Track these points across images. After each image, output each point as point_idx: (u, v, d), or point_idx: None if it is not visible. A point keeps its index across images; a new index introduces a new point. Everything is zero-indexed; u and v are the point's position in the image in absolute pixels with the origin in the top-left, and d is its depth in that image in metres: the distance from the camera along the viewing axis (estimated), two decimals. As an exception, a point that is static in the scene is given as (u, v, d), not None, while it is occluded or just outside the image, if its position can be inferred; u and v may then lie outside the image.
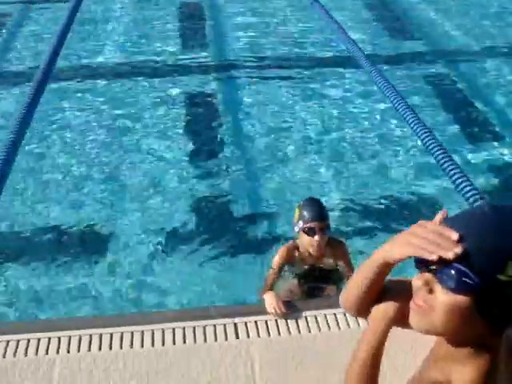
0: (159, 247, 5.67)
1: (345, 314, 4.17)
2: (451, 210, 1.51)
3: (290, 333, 4.04)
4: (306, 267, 4.61)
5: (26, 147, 6.99)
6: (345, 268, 4.62)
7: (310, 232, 4.32)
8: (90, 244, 5.75)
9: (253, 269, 5.33)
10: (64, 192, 6.44)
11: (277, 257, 4.53)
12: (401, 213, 6.22)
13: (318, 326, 4.10)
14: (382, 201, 6.35)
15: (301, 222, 4.34)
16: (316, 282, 4.68)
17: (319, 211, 4.37)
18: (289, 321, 4.12)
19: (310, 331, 4.06)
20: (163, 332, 3.99)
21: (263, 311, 4.15)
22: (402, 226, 5.82)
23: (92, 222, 6.00)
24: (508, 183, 6.79)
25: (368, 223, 6.05)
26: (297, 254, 4.53)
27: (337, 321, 4.14)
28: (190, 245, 5.70)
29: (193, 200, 6.34)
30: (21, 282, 5.25)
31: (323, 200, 4.78)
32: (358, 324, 4.10)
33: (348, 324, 4.11)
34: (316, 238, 4.32)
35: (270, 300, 4.18)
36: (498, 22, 11.52)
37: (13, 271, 5.39)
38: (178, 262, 5.52)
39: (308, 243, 4.38)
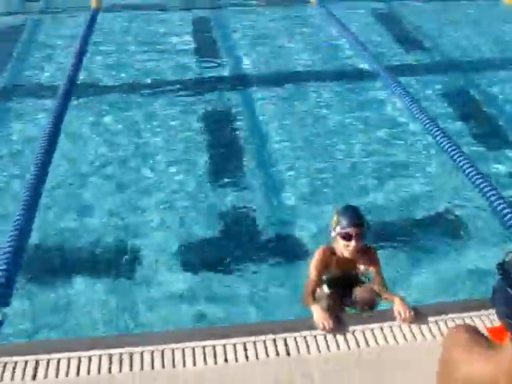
0: (188, 264, 5.66)
1: (392, 329, 4.22)
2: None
3: (338, 348, 4.08)
4: (339, 273, 4.65)
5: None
6: (374, 274, 4.65)
7: (346, 237, 4.40)
8: (118, 262, 5.74)
9: (289, 281, 5.36)
10: (83, 208, 6.45)
11: (314, 258, 4.58)
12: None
13: (366, 340, 4.14)
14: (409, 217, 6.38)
15: (338, 228, 4.43)
16: (348, 290, 4.70)
17: (356, 217, 4.46)
18: (337, 336, 4.15)
19: (358, 345, 4.10)
20: (214, 348, 4.02)
21: (311, 326, 4.18)
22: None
23: (116, 239, 5.99)
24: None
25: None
26: (332, 257, 4.58)
27: (384, 335, 4.17)
28: (224, 261, 5.70)
29: (214, 215, 6.34)
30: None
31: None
32: (406, 339, 4.14)
33: (395, 338, 4.14)
34: (352, 243, 4.41)
35: (317, 315, 4.21)
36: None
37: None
38: (212, 278, 5.51)
39: (344, 247, 4.45)
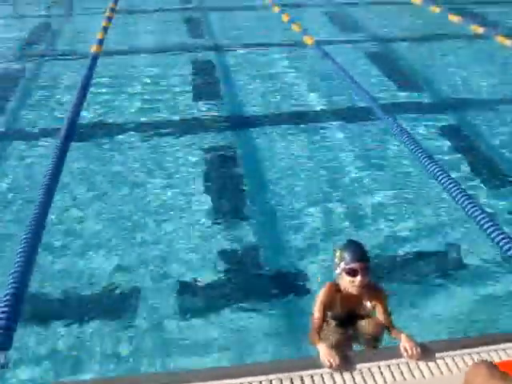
0: (192, 302, 5.65)
1: (399, 366, 4.17)
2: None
3: (345, 386, 4.03)
4: (345, 310, 4.60)
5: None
6: (380, 311, 4.60)
7: (351, 273, 4.37)
8: (118, 303, 5.70)
9: (295, 319, 5.32)
10: (84, 249, 6.43)
11: (319, 296, 4.54)
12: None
13: (373, 378, 4.08)
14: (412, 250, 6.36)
15: (342, 264, 4.40)
16: (353, 328, 4.65)
17: (361, 252, 4.44)
18: (344, 374, 4.10)
19: (365, 383, 4.04)
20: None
21: (318, 364, 4.13)
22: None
23: (115, 279, 5.96)
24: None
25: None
26: (338, 294, 4.54)
27: (391, 372, 4.12)
28: (229, 301, 5.67)
29: (218, 255, 6.31)
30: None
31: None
32: (413, 375, 4.09)
33: (403, 375, 4.09)
34: (358, 278, 4.38)
35: (324, 353, 4.17)
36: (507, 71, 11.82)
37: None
38: (214, 317, 5.47)
39: (349, 283, 4.41)
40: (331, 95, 10.70)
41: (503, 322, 5.20)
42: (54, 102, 10.56)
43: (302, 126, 9.45)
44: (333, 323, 4.64)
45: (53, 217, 6.89)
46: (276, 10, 17.36)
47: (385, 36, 14.71)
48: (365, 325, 4.55)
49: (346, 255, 4.39)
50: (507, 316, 5.30)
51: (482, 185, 7.61)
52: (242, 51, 13.45)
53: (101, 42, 13.88)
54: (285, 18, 16.29)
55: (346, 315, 4.61)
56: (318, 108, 10.21)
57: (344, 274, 4.41)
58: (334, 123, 9.49)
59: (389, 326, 4.50)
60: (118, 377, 4.69)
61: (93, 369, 4.87)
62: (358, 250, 4.44)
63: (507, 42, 13.57)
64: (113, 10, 17.54)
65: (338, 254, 4.47)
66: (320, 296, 4.55)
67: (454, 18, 16.19)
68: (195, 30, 15.58)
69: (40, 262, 6.11)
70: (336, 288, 4.54)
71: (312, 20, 16.71)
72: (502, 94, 10.78)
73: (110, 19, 16.35)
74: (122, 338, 5.20)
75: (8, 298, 5.31)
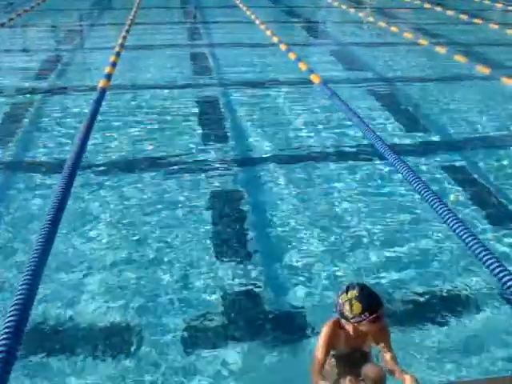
0: (192, 341, 5.52)
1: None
2: None
3: (351, 433, 3.91)
4: (348, 349, 4.50)
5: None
6: (385, 349, 4.49)
7: (376, 321, 4.27)
8: (119, 342, 5.58)
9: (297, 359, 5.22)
10: (84, 284, 6.36)
11: (322, 334, 4.43)
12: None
13: (380, 426, 3.97)
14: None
15: (367, 314, 4.23)
16: (355, 366, 4.54)
17: (378, 297, 4.33)
18: (349, 420, 3.99)
19: (372, 431, 3.93)
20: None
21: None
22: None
23: (116, 317, 5.83)
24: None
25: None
26: (342, 332, 4.43)
27: (397, 419, 4.02)
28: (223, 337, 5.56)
29: (220, 292, 6.23)
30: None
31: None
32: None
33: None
34: (382, 323, 4.33)
35: (326, 395, 4.07)
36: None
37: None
38: (215, 359, 5.36)
39: (370, 328, 4.32)
40: (337, 134, 10.70)
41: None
42: (60, 136, 10.60)
43: (307, 165, 9.40)
44: (336, 362, 4.54)
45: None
46: (283, 48, 17.53)
47: (391, 76, 14.82)
48: (370, 369, 4.44)
49: (367, 305, 4.23)
50: None
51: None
52: (248, 89, 13.51)
53: (109, 76, 13.99)
54: (292, 56, 16.42)
55: (349, 355, 4.51)
56: (324, 148, 10.19)
57: (367, 323, 4.29)
58: (340, 164, 9.46)
59: (393, 366, 4.40)
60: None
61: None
62: (374, 297, 4.30)
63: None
64: (122, 45, 17.74)
65: (355, 306, 4.26)
66: (323, 333, 4.44)
67: (460, 59, 16.30)
68: (201, 67, 15.73)
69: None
70: (339, 326, 4.44)
71: (319, 59, 16.85)
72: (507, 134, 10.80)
73: (118, 54, 16.51)
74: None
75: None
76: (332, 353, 4.49)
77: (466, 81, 14.32)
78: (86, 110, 11.49)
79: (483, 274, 6.39)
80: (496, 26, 21.82)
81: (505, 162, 9.55)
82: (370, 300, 4.25)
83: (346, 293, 4.33)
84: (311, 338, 5.33)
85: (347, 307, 4.31)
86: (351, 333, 4.38)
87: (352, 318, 4.31)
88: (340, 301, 4.35)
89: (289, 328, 5.72)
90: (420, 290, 6.25)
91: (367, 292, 4.31)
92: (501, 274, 6.00)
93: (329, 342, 4.41)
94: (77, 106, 12.30)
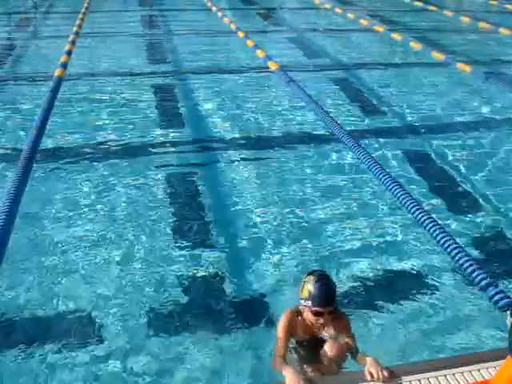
0: (154, 329, 5.52)
1: (366, 390, 4.15)
2: None
3: (312, 411, 3.97)
4: (308, 336, 4.56)
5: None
6: (345, 339, 4.56)
7: (318, 314, 4.35)
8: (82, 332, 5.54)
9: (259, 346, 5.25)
10: (44, 280, 6.22)
11: (281, 322, 4.50)
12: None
13: (340, 403, 4.05)
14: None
15: (309, 302, 4.33)
16: (317, 353, 4.60)
17: (329, 296, 4.36)
18: (310, 399, 4.05)
19: (332, 409, 4.00)
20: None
21: (284, 390, 4.08)
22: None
23: (80, 308, 5.79)
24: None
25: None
26: (300, 320, 4.49)
27: (358, 397, 4.09)
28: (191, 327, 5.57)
29: (182, 280, 6.22)
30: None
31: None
32: (380, 399, 4.06)
33: (370, 399, 4.06)
34: (321, 320, 4.38)
35: (290, 378, 4.11)
36: (468, 96, 12.06)
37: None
38: (178, 345, 5.37)
39: (313, 320, 4.40)
40: (294, 120, 10.76)
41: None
42: (15, 125, 10.43)
43: (264, 151, 9.45)
44: (296, 348, 4.60)
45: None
46: (240, 35, 17.49)
47: (347, 62, 14.92)
48: (328, 349, 4.50)
49: (314, 296, 4.30)
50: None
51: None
52: (205, 76, 13.46)
53: (64, 65, 13.77)
54: (249, 43, 16.39)
55: (309, 340, 4.57)
56: (281, 133, 10.25)
57: (309, 311, 4.38)
58: (298, 148, 9.52)
59: (353, 350, 4.47)
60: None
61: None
62: (326, 295, 4.34)
63: (467, 69, 13.85)
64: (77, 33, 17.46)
65: (305, 289, 4.36)
66: (281, 322, 4.50)
67: (415, 45, 16.48)
68: (158, 55, 15.60)
69: None
70: (298, 314, 4.50)
71: (276, 46, 16.85)
72: (461, 118, 11.01)
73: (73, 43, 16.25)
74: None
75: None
76: (293, 340, 4.55)
77: (422, 66, 14.47)
78: (41, 100, 11.29)
79: (432, 247, 6.61)
80: (451, 13, 22.10)
81: (460, 144, 9.73)
82: (318, 292, 4.30)
83: (308, 275, 4.45)
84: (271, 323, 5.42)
85: (300, 287, 4.43)
86: (308, 320, 4.44)
87: (300, 299, 4.41)
88: (301, 280, 4.46)
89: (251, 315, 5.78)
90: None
91: (321, 285, 4.34)
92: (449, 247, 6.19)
93: (288, 329, 4.46)
94: (33, 95, 12.09)
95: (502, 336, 5.02)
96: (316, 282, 4.35)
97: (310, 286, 4.34)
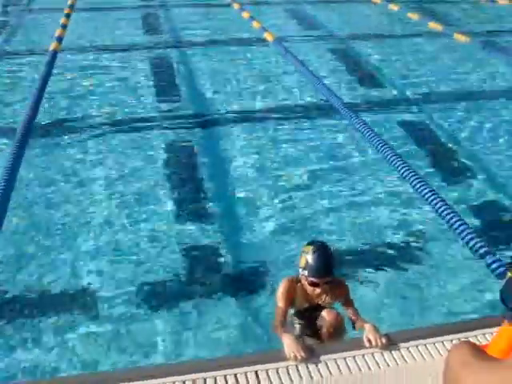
0: (155, 302, 5.58)
1: (363, 357, 4.17)
2: None
3: (311, 378, 4.00)
4: (307, 304, 4.59)
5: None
6: (344, 306, 4.60)
7: (313, 284, 4.37)
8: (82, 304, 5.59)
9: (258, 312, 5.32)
10: (40, 256, 6.25)
11: (280, 289, 4.50)
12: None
13: (339, 369, 4.07)
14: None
15: (306, 272, 4.34)
16: (313, 321, 4.64)
17: (326, 267, 4.35)
18: (309, 366, 4.08)
19: (331, 375, 4.03)
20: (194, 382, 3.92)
21: (283, 357, 4.10)
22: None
23: (76, 282, 5.84)
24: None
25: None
26: (299, 287, 4.50)
27: (356, 363, 4.12)
28: (190, 297, 5.63)
29: (182, 253, 6.26)
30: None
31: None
32: (379, 366, 4.09)
33: (369, 366, 4.09)
34: (318, 290, 4.39)
35: (288, 345, 4.13)
36: (465, 67, 12.01)
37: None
38: (178, 314, 5.42)
39: (310, 289, 4.42)
40: (291, 92, 10.71)
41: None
42: (10, 101, 10.39)
43: (262, 123, 9.43)
44: (295, 315, 4.63)
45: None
46: (236, 7, 17.34)
47: (344, 33, 14.82)
48: (326, 316, 4.53)
49: (311, 266, 4.31)
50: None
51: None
52: (200, 48, 13.37)
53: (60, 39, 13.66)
54: (245, 15, 16.27)
55: (308, 309, 4.60)
56: (278, 105, 10.20)
57: (306, 280, 4.41)
58: (295, 120, 9.50)
59: (353, 317, 4.51)
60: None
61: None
62: (322, 266, 4.32)
63: (463, 39, 13.78)
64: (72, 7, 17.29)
65: (303, 258, 4.37)
66: (281, 287, 4.51)
67: (412, 16, 16.37)
68: (153, 27, 15.48)
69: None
70: (297, 281, 4.51)
71: (272, 17, 16.71)
72: (461, 89, 10.97)
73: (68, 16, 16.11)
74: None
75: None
76: (292, 309, 4.57)
77: (419, 37, 14.38)
78: (37, 74, 11.23)
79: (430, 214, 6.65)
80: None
81: (458, 116, 9.72)
82: (314, 263, 4.30)
83: (307, 244, 4.46)
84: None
85: (299, 256, 4.45)
86: (307, 288, 4.45)
87: (299, 268, 4.43)
88: (302, 248, 4.48)
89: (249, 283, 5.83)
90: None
91: (318, 255, 4.34)
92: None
93: (287, 296, 4.47)
94: (28, 69, 12.01)
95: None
96: (314, 252, 4.35)
97: (307, 256, 4.36)
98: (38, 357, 4.90)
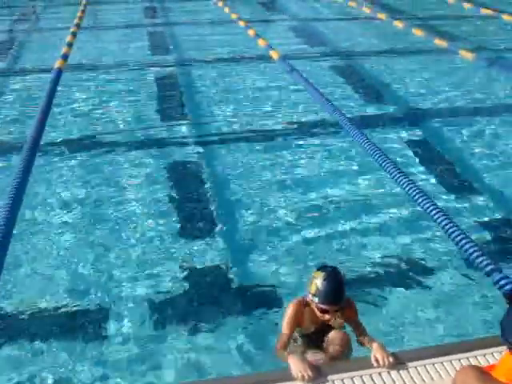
0: (160, 319, 5.55)
1: (371, 376, 4.14)
2: None
3: (318, 398, 3.98)
4: (314, 327, 4.54)
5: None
6: (353, 325, 4.56)
7: (323, 312, 4.33)
8: (88, 319, 5.57)
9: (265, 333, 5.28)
10: (50, 262, 6.34)
11: (287, 312, 4.46)
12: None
13: (346, 389, 4.04)
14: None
15: (316, 299, 4.28)
16: (320, 342, 4.60)
17: (337, 295, 4.29)
18: (316, 386, 4.05)
19: (338, 395, 4.00)
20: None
21: (290, 377, 4.07)
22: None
23: (84, 295, 5.84)
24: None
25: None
26: (307, 310, 4.45)
27: (364, 383, 4.08)
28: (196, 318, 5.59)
29: (185, 271, 6.23)
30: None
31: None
32: (385, 385, 4.06)
33: (375, 385, 4.06)
34: (327, 317, 4.35)
35: (295, 366, 4.09)
36: (470, 83, 12.03)
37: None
38: (184, 334, 5.38)
39: (319, 313, 4.38)
40: (297, 109, 10.72)
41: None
42: (16, 117, 10.44)
43: (268, 141, 9.43)
44: (302, 337, 4.60)
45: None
46: (242, 24, 17.44)
47: (350, 50, 14.86)
48: (332, 338, 4.50)
49: (321, 294, 4.25)
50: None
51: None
52: (207, 66, 13.42)
53: (65, 56, 13.75)
54: (251, 32, 16.34)
55: (314, 332, 4.56)
56: (285, 122, 10.21)
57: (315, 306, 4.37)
58: (301, 138, 9.50)
59: (360, 335, 4.47)
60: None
61: None
62: (333, 293, 4.26)
63: (469, 56, 13.80)
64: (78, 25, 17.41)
65: (313, 284, 4.30)
66: (288, 312, 4.47)
67: (417, 32, 16.42)
68: (159, 45, 15.56)
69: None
70: (305, 304, 4.46)
71: (278, 34, 16.80)
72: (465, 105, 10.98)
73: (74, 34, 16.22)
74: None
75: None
76: (298, 330, 4.53)
77: (425, 54, 14.40)
78: (43, 91, 11.29)
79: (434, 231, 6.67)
80: (453, 0, 21.98)
81: (462, 132, 9.70)
82: (325, 291, 4.24)
83: (318, 270, 4.39)
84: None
85: (309, 281, 4.38)
86: (316, 312, 4.40)
87: (308, 293, 4.37)
88: (312, 273, 4.41)
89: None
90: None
91: (329, 283, 4.26)
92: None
93: (294, 319, 4.44)
94: (34, 86, 12.08)
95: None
96: (324, 279, 4.27)
97: (318, 283, 4.28)
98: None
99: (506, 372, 3.33)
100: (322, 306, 4.29)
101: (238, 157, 8.88)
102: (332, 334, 4.51)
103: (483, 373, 1.68)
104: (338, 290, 4.30)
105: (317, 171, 8.38)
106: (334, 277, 4.32)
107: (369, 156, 8.34)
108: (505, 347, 3.58)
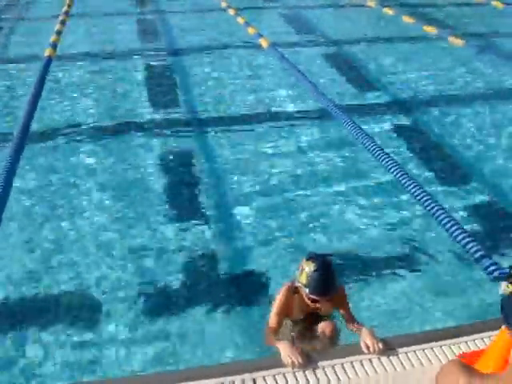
0: (151, 307, 5.57)
1: (361, 362, 4.16)
2: None
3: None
4: (303, 314, 4.56)
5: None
6: (342, 312, 4.58)
7: (313, 301, 4.33)
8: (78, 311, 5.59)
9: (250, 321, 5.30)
10: (37, 258, 6.30)
11: (277, 299, 4.47)
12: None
13: (337, 375, 4.06)
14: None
15: (307, 290, 4.25)
16: (311, 329, 4.61)
17: (328, 285, 4.25)
18: (306, 372, 4.07)
19: (329, 381, 4.02)
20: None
21: (280, 363, 4.09)
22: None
23: (83, 287, 5.86)
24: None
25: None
26: (296, 296, 4.44)
27: (354, 369, 4.11)
28: (186, 301, 5.62)
29: (180, 259, 6.26)
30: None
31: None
32: (376, 371, 4.09)
33: (366, 372, 4.08)
34: (318, 305, 4.35)
35: (285, 352, 4.12)
36: (460, 70, 12.03)
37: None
38: (176, 320, 5.41)
39: (309, 302, 4.38)
40: (287, 97, 10.70)
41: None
42: (5, 107, 10.38)
43: (257, 128, 9.41)
44: (291, 324, 4.61)
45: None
46: (231, 12, 17.34)
47: (340, 38, 14.82)
48: (322, 327, 4.53)
49: (312, 285, 4.21)
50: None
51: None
52: (196, 54, 13.35)
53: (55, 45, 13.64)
54: (240, 20, 16.25)
55: (304, 316, 4.57)
56: (274, 110, 10.19)
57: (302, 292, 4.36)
58: (290, 125, 9.49)
59: (350, 322, 4.50)
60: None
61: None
62: (324, 284, 4.23)
63: (459, 42, 13.81)
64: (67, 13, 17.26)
65: (303, 274, 4.25)
66: (278, 299, 4.47)
67: (407, 20, 16.39)
68: (149, 34, 15.45)
69: None
70: (294, 290, 4.44)
71: (267, 22, 16.72)
72: (455, 92, 10.99)
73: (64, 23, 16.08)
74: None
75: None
76: (288, 317, 4.54)
77: (414, 41, 14.38)
78: (33, 79, 11.21)
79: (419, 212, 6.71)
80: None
81: (451, 120, 9.71)
82: (316, 282, 4.21)
83: (308, 259, 4.32)
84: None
85: (299, 271, 4.35)
86: (306, 299, 4.39)
87: (298, 282, 4.35)
88: (301, 262, 4.38)
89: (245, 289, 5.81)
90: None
91: (320, 275, 4.22)
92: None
93: (283, 307, 4.44)
94: (23, 75, 11.99)
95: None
96: (315, 270, 4.22)
97: (308, 273, 4.23)
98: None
99: (497, 356, 3.35)
100: (313, 296, 4.27)
101: (227, 144, 8.86)
102: (322, 324, 4.53)
103: (466, 366, 1.70)
104: (328, 281, 4.26)
105: (304, 159, 8.38)
106: (324, 267, 4.27)
107: (359, 144, 8.37)
108: (495, 332, 3.62)
